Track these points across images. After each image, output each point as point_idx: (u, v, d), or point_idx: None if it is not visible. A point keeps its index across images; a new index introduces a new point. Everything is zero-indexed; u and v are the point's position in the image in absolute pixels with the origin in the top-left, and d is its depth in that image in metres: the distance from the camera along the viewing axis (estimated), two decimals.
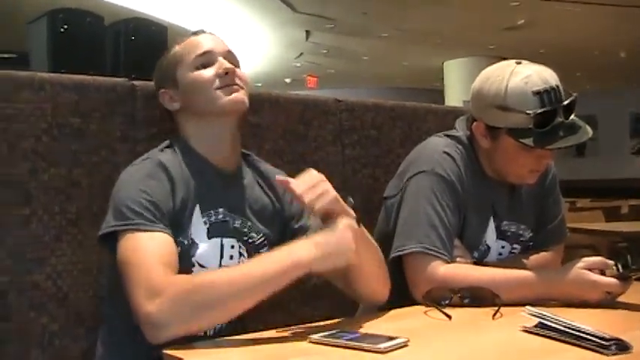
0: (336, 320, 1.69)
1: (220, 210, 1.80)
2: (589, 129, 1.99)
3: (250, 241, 1.83)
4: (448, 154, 2.08)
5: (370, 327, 1.61)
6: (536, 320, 1.50)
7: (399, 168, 2.20)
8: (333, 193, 1.67)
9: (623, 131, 19.16)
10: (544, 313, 1.47)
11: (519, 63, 2.01)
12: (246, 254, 1.81)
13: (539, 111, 1.92)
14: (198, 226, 1.75)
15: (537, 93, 1.93)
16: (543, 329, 1.46)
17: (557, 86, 1.96)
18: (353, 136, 2.43)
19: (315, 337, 1.46)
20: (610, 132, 19.14)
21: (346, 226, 1.62)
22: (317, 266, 1.56)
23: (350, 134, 2.42)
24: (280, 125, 2.29)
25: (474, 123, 2.09)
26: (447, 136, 2.17)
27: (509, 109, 1.96)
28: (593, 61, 14.81)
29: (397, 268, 1.97)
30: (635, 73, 16.58)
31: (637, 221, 6.69)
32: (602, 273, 1.80)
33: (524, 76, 1.96)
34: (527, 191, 2.22)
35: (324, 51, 14.22)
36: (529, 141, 1.94)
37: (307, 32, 12.73)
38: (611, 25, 11.65)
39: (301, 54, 14.49)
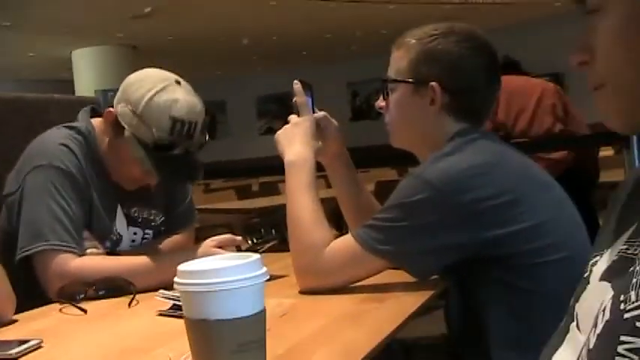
0: None
1: None
2: (200, 174, 2.05)
3: None
4: (65, 145, 2.03)
5: (1, 334, 1.52)
6: (171, 302, 1.54)
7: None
8: None
9: (251, 114, 20.19)
10: (176, 295, 1.51)
11: (179, 83, 2.00)
12: None
13: (165, 135, 1.94)
14: None
15: (174, 119, 1.94)
16: (178, 310, 1.50)
17: (197, 123, 1.98)
18: None
19: None
20: (238, 115, 20.05)
21: None
22: None
23: None
24: None
25: (109, 108, 2.05)
26: (67, 127, 2.11)
27: (142, 118, 1.94)
28: (219, 47, 15.35)
29: (24, 269, 1.89)
30: (258, 59, 17.53)
31: (267, 197, 7.11)
32: (239, 249, 1.89)
33: (173, 98, 1.95)
34: None
35: None
36: (143, 155, 1.95)
37: None
38: (234, 12, 12.17)
39: None
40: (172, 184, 2.04)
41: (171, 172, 1.99)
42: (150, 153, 1.94)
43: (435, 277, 1.70)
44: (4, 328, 1.58)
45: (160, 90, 1.95)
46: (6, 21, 11.84)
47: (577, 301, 0.91)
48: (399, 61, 1.78)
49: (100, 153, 2.09)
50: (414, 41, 1.75)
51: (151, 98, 1.94)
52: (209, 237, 1.95)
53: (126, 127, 1.97)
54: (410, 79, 1.75)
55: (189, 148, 1.99)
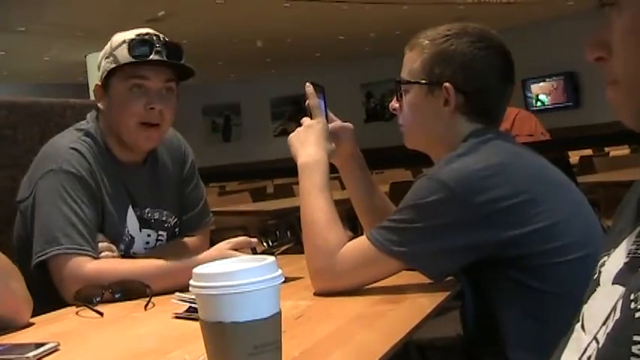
0: None
1: None
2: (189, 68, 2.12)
3: None
4: (75, 149, 2.04)
5: (19, 337, 1.53)
6: (187, 305, 1.54)
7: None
8: None
9: (265, 116, 20.22)
10: (192, 297, 1.51)
11: None
12: None
13: (133, 36, 2.05)
14: None
15: (138, 35, 2.06)
16: (193, 313, 1.50)
17: (159, 36, 2.08)
18: None
19: None
20: (253, 117, 20.10)
21: None
22: None
23: None
24: None
25: (95, 87, 2.13)
26: (76, 130, 2.13)
27: (112, 50, 2.07)
28: (232, 50, 15.39)
29: (40, 273, 1.90)
30: (272, 61, 17.55)
31: (282, 199, 7.11)
32: (254, 251, 1.89)
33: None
34: (167, 177, 2.25)
35: None
36: (129, 84, 2.05)
37: None
38: (248, 14, 12.19)
39: None
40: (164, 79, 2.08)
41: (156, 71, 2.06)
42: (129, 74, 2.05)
43: (451, 277, 1.69)
44: (21, 332, 1.58)
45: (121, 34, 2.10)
46: (21, 26, 11.93)
47: (586, 302, 0.91)
48: (412, 62, 1.78)
49: (111, 150, 2.11)
50: (427, 42, 1.75)
51: (112, 40, 2.10)
52: (224, 239, 1.96)
53: (107, 69, 2.07)
54: (423, 80, 1.75)
55: (160, 50, 2.05)
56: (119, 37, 2.07)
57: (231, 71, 18.21)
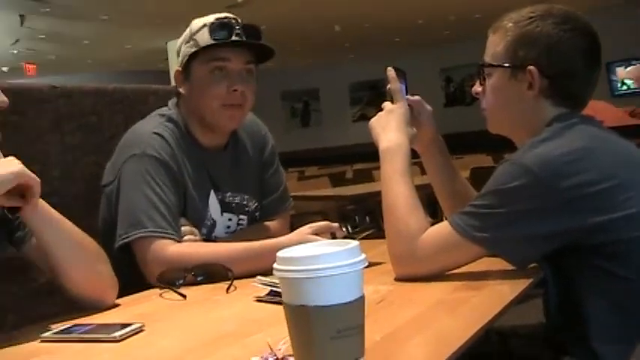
0: (72, 316, 1.63)
1: None
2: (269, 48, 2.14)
3: None
4: (158, 134, 2.08)
5: (105, 317, 1.57)
6: (268, 289, 1.56)
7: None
8: None
9: (344, 101, 20.21)
10: (274, 281, 1.53)
11: None
12: None
13: (213, 20, 2.08)
14: None
15: (217, 19, 2.09)
16: (275, 296, 1.51)
17: (237, 19, 2.11)
18: (73, 123, 2.34)
19: (45, 335, 1.41)
20: (332, 102, 20.12)
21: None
22: None
23: (69, 121, 2.33)
24: None
25: (175, 73, 2.17)
26: (158, 115, 2.17)
27: (192, 35, 2.10)
28: (311, 35, 15.41)
29: (125, 256, 1.94)
30: (350, 46, 17.50)
31: (361, 184, 7.10)
32: (334, 236, 1.89)
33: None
34: (247, 162, 2.27)
35: (42, 36, 13.56)
36: (210, 66, 2.08)
37: (22, 17, 12.06)
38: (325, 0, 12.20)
39: (17, 40, 13.71)
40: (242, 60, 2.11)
41: (237, 53, 2.09)
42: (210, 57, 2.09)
43: (534, 264, 1.66)
44: (107, 312, 1.63)
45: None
46: (104, 14, 12.18)
47: None
48: (495, 45, 1.74)
49: (193, 134, 2.15)
50: (510, 24, 1.72)
51: (191, 24, 2.14)
52: (304, 224, 1.96)
53: (188, 54, 2.11)
54: (507, 64, 1.71)
55: (240, 33, 2.08)
56: (199, 22, 2.11)
57: (310, 56, 18.23)
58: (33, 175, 1.48)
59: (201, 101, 2.10)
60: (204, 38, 2.07)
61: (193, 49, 2.08)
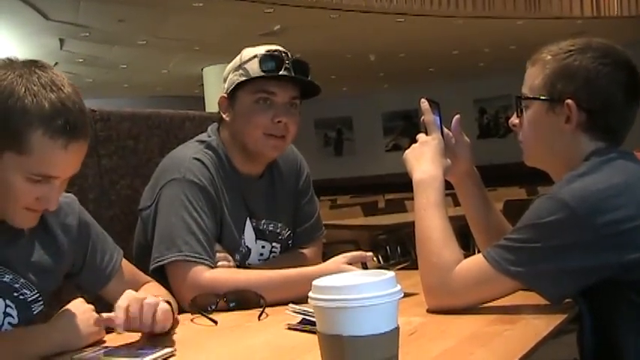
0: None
1: None
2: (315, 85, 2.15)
3: None
4: (198, 159, 2.09)
5: (135, 340, 1.58)
6: (300, 317, 1.55)
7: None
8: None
9: (377, 130, 20.22)
10: (306, 309, 1.52)
11: None
12: None
13: (264, 51, 2.09)
14: None
15: (268, 51, 2.10)
16: (307, 325, 1.51)
17: (287, 53, 2.11)
18: (109, 147, 2.36)
19: (77, 356, 1.42)
20: (365, 131, 20.13)
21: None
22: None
23: (106, 145, 2.35)
24: None
25: (220, 99, 2.18)
26: (198, 141, 2.18)
27: (242, 64, 2.11)
28: (345, 64, 15.47)
29: (158, 279, 1.93)
30: (384, 75, 17.55)
31: (393, 214, 7.07)
32: (365, 266, 1.88)
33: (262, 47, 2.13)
34: (282, 189, 2.28)
35: (81, 60, 13.76)
36: (254, 98, 2.09)
37: (61, 40, 12.26)
38: (361, 29, 12.24)
39: (56, 63, 13.91)
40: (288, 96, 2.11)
41: (283, 87, 2.10)
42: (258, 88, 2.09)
43: (568, 300, 1.64)
44: (138, 336, 1.62)
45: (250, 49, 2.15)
46: (141, 40, 12.34)
47: None
48: (533, 78, 1.74)
49: (232, 162, 2.15)
50: (549, 57, 1.71)
51: (242, 53, 2.14)
52: (336, 253, 1.96)
53: (235, 82, 2.11)
54: (544, 97, 1.71)
55: (289, 67, 2.08)
56: (250, 52, 2.12)
57: (344, 85, 18.28)
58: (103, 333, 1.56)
59: (245, 129, 2.11)
60: (254, 68, 2.08)
61: (242, 78, 2.10)
